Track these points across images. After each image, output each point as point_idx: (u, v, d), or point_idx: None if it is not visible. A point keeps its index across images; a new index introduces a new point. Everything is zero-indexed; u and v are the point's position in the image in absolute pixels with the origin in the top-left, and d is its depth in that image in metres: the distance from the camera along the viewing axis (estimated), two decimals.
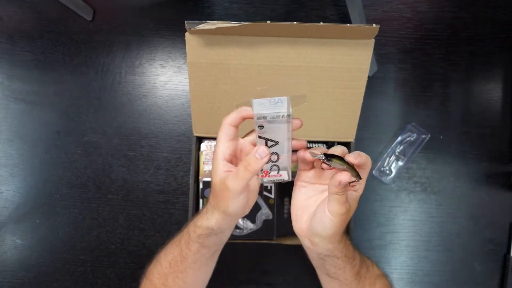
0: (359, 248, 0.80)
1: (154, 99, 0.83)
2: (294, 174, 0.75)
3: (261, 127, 0.39)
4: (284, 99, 0.38)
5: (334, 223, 0.40)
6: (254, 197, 0.45)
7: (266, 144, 0.40)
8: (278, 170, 0.42)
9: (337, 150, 0.40)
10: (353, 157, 0.37)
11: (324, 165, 0.41)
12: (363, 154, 0.38)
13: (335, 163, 0.38)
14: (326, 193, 0.43)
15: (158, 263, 0.50)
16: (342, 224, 0.40)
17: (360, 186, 0.40)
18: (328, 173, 0.43)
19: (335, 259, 0.44)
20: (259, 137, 0.40)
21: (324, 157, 0.38)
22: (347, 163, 0.37)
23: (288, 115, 0.38)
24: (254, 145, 0.42)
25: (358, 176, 0.38)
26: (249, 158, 0.39)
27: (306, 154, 0.41)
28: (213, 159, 0.42)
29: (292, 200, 0.46)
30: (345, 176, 0.36)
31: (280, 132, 0.39)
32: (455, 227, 0.81)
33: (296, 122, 0.40)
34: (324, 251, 0.43)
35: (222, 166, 0.40)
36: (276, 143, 0.40)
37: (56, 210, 0.81)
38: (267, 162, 0.40)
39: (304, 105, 0.71)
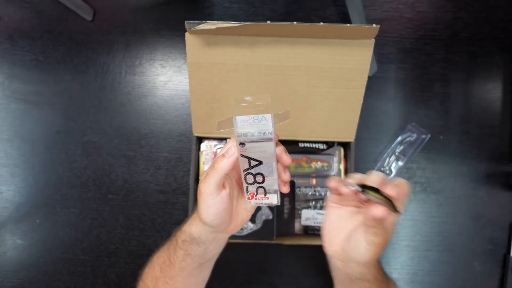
0: None
1: (154, 99, 0.83)
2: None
3: (242, 144, 0.37)
4: (268, 116, 0.36)
5: (371, 252, 0.39)
6: (240, 218, 0.44)
7: (249, 164, 0.38)
8: (265, 192, 0.40)
9: (375, 179, 0.36)
10: (390, 189, 0.35)
11: (360, 196, 0.39)
12: (402, 183, 0.36)
13: (371, 195, 0.36)
14: (360, 216, 0.41)
15: (151, 265, 0.50)
16: (379, 252, 0.39)
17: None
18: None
19: (365, 282, 0.42)
20: (241, 155, 0.38)
21: (360, 189, 0.37)
22: (383, 196, 0.35)
23: (271, 133, 0.36)
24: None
25: (395, 210, 0.35)
26: (217, 157, 0.38)
27: (341, 188, 0.38)
28: (198, 193, 0.40)
29: (324, 221, 0.45)
30: (380, 212, 0.35)
31: (263, 152, 0.37)
32: (455, 227, 0.81)
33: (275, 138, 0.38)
34: (357, 275, 0.42)
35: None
36: (260, 162, 0.38)
37: (56, 210, 0.81)
38: (252, 183, 0.39)
39: (305, 105, 0.71)
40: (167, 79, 0.83)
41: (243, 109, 0.37)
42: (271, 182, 0.39)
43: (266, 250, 0.81)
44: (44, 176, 0.81)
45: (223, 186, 0.40)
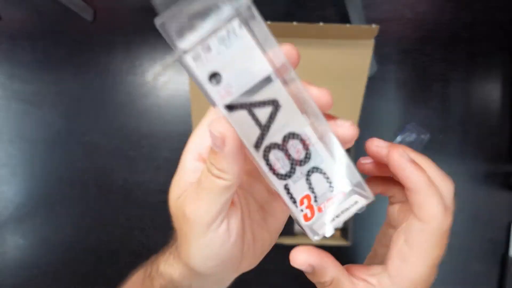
0: (359, 247, 0.80)
1: (154, 99, 0.83)
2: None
3: (230, 108, 0.17)
4: (237, 24, 0.16)
5: None
6: (259, 248, 0.25)
7: (258, 123, 0.18)
8: (329, 182, 0.19)
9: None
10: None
11: None
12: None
13: None
14: None
15: None
16: None
17: None
18: None
19: None
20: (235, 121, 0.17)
21: None
22: None
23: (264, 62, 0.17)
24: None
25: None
26: (206, 162, 0.20)
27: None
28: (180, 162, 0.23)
29: None
30: None
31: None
32: (454, 226, 0.80)
33: (288, 49, 0.18)
34: None
35: (192, 173, 0.22)
36: (274, 104, 0.17)
37: (56, 210, 0.81)
38: (290, 172, 0.18)
39: None
40: (167, 79, 0.83)
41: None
42: (318, 147, 0.18)
43: None
44: (45, 176, 0.81)
45: (232, 203, 0.21)
